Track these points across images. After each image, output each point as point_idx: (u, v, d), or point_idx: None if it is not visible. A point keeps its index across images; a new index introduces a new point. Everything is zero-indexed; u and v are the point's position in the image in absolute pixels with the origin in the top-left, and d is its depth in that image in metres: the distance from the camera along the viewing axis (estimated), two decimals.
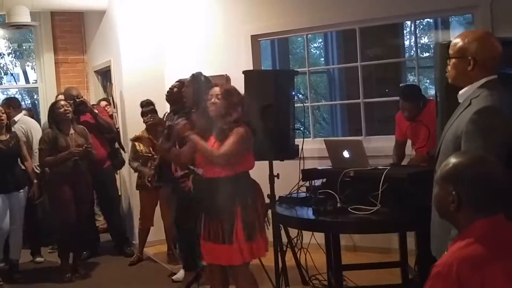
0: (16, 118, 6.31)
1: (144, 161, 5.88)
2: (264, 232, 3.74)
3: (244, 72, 4.69)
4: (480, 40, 2.52)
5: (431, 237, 2.63)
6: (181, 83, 5.36)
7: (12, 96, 8.78)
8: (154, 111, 5.91)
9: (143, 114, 5.93)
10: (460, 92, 2.59)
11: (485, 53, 2.50)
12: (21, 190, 5.65)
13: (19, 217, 5.68)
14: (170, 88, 5.36)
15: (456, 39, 2.58)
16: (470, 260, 1.79)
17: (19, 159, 5.74)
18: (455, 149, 2.38)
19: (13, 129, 5.83)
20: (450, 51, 2.58)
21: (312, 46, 10.80)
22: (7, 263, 5.87)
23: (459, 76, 2.56)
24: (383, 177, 3.51)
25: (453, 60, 2.57)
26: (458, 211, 1.89)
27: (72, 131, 5.61)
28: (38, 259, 6.36)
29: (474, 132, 2.37)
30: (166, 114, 5.45)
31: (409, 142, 5.07)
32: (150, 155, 5.79)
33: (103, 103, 7.25)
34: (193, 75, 4.82)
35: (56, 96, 6.50)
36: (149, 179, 5.63)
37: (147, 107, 5.91)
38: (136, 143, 5.80)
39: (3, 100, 6.97)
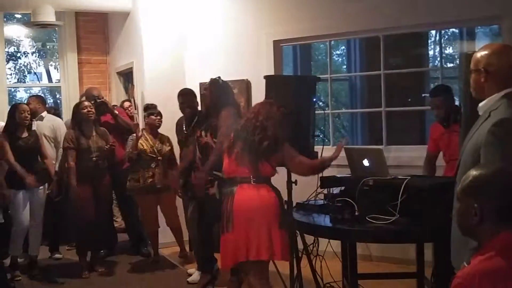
0: (43, 115, 6.50)
1: (148, 161, 5.88)
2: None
3: (265, 77, 4.68)
4: (495, 52, 2.53)
5: (452, 248, 2.60)
6: (183, 95, 5.50)
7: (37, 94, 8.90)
8: (160, 113, 6.00)
9: (150, 115, 5.99)
10: (480, 104, 2.59)
11: (500, 65, 2.50)
12: (40, 187, 5.72)
13: (39, 213, 5.76)
14: (180, 104, 5.52)
15: (476, 52, 2.60)
16: (492, 273, 1.77)
17: (39, 157, 5.80)
18: (475, 161, 2.36)
19: (39, 125, 6.01)
20: (471, 65, 2.60)
21: (334, 53, 10.78)
22: (26, 258, 5.94)
23: (477, 89, 2.59)
24: (403, 187, 3.48)
25: (472, 73, 2.57)
26: (480, 224, 1.87)
27: (94, 133, 5.69)
28: (57, 255, 6.45)
29: (493, 143, 2.36)
30: (184, 124, 5.51)
31: (440, 154, 5.01)
32: (153, 156, 5.83)
33: (127, 103, 7.31)
34: (211, 79, 4.87)
35: (80, 98, 6.60)
36: (180, 193, 5.68)
37: (154, 109, 6.02)
38: (140, 142, 5.84)
39: (32, 95, 7.12)
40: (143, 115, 6.21)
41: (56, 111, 7.48)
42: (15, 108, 5.68)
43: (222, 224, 3.79)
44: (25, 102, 6.67)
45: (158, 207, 6.08)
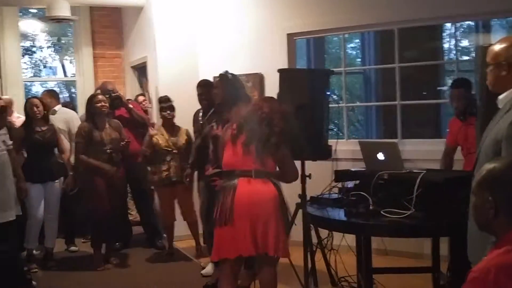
0: (56, 108, 6.54)
1: (162, 156, 5.90)
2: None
3: (279, 71, 4.66)
4: None
5: (468, 243, 2.58)
6: (201, 86, 5.52)
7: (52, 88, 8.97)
8: (173, 107, 5.99)
9: (162, 109, 5.99)
10: (500, 97, 2.55)
11: None
12: (56, 181, 5.79)
13: (54, 206, 5.83)
14: (198, 95, 5.51)
15: (492, 46, 2.56)
16: (508, 267, 1.76)
17: (57, 150, 5.87)
18: (495, 154, 2.34)
19: (52, 119, 5.99)
20: (487, 59, 2.56)
21: (348, 46, 10.71)
22: (42, 251, 6.02)
23: (496, 83, 2.55)
24: (418, 180, 3.46)
25: (490, 67, 2.54)
26: (496, 217, 1.86)
27: (107, 125, 5.71)
28: (72, 248, 6.51)
29: None
30: (201, 114, 5.50)
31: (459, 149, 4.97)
32: (168, 149, 5.84)
33: (141, 97, 7.34)
34: (220, 75, 4.85)
35: (95, 91, 6.63)
36: (188, 179, 5.66)
37: (166, 103, 5.98)
38: (154, 138, 5.89)
39: (44, 91, 7.21)
40: (158, 108, 6.21)
41: (71, 105, 7.54)
42: (26, 103, 5.79)
43: (220, 217, 3.70)
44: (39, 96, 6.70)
45: (176, 200, 6.09)
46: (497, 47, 2.52)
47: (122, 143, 5.71)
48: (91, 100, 5.76)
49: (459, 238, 2.75)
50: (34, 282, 5.25)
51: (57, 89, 11.65)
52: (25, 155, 5.73)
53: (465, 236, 2.64)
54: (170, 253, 6.16)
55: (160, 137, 5.89)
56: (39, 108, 5.66)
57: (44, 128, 5.71)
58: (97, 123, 5.68)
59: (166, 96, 6.07)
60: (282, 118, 3.76)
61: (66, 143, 6.24)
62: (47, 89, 7.75)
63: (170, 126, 5.99)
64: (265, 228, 3.65)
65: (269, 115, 3.74)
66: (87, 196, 5.76)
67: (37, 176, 5.57)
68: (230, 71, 4.86)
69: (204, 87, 5.50)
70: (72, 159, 6.04)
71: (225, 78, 4.80)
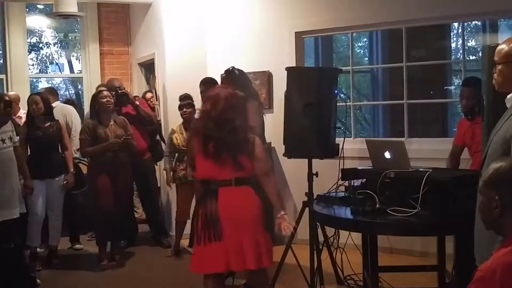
0: (54, 105, 6.48)
1: (180, 154, 5.91)
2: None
3: (287, 69, 4.67)
4: None
5: (475, 242, 2.59)
6: (204, 83, 5.50)
7: (54, 85, 9.00)
8: (192, 105, 5.97)
9: (180, 108, 5.99)
10: (508, 96, 2.55)
11: None
12: (56, 178, 5.72)
13: (57, 204, 5.77)
14: (201, 92, 5.49)
15: (501, 45, 2.55)
16: None
17: (60, 147, 5.83)
18: (504, 152, 2.34)
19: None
20: (496, 58, 2.55)
21: (356, 45, 10.72)
22: (46, 249, 5.99)
23: (506, 82, 2.54)
24: (424, 179, 3.46)
25: (498, 67, 2.53)
26: (502, 216, 1.87)
27: (112, 122, 5.70)
28: (77, 246, 6.47)
29: None
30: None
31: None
32: (185, 148, 5.84)
33: (149, 94, 7.34)
34: (226, 71, 4.84)
35: (97, 87, 6.62)
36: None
37: (185, 101, 5.96)
38: (173, 136, 5.91)
39: (42, 88, 7.22)
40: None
41: (72, 101, 7.54)
42: (27, 100, 5.78)
43: (206, 234, 3.51)
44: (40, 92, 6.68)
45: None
46: (508, 46, 2.51)
47: (121, 138, 5.61)
48: (96, 96, 5.75)
49: (465, 237, 2.75)
50: (38, 281, 5.22)
51: (63, 86, 11.73)
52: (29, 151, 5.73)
53: (471, 235, 2.64)
54: (176, 251, 6.14)
55: (179, 136, 5.89)
56: (39, 105, 5.63)
57: (46, 125, 5.69)
58: (102, 119, 5.66)
59: (185, 93, 6.00)
60: (238, 107, 3.55)
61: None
62: (46, 87, 7.77)
63: (190, 124, 5.89)
64: (254, 241, 3.50)
65: (223, 110, 3.48)
66: (92, 194, 5.75)
67: (36, 172, 5.47)
68: (236, 67, 4.85)
69: (207, 84, 5.49)
70: (74, 152, 6.05)
71: (232, 74, 4.79)
